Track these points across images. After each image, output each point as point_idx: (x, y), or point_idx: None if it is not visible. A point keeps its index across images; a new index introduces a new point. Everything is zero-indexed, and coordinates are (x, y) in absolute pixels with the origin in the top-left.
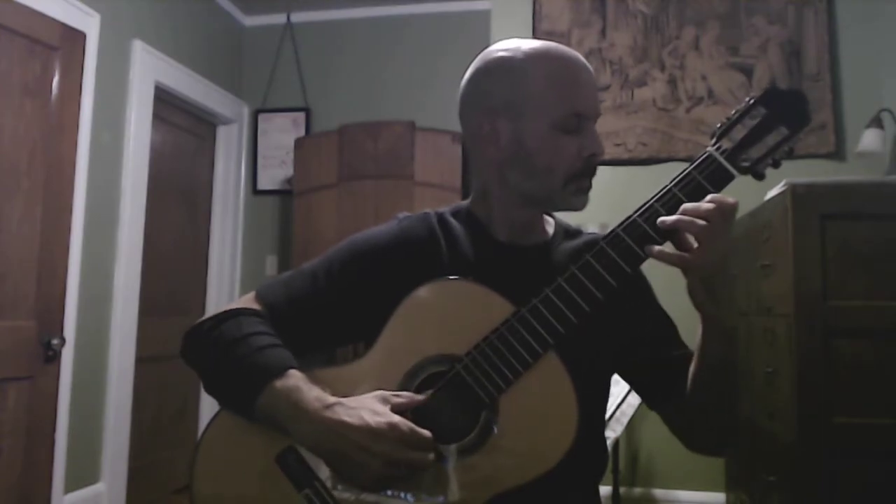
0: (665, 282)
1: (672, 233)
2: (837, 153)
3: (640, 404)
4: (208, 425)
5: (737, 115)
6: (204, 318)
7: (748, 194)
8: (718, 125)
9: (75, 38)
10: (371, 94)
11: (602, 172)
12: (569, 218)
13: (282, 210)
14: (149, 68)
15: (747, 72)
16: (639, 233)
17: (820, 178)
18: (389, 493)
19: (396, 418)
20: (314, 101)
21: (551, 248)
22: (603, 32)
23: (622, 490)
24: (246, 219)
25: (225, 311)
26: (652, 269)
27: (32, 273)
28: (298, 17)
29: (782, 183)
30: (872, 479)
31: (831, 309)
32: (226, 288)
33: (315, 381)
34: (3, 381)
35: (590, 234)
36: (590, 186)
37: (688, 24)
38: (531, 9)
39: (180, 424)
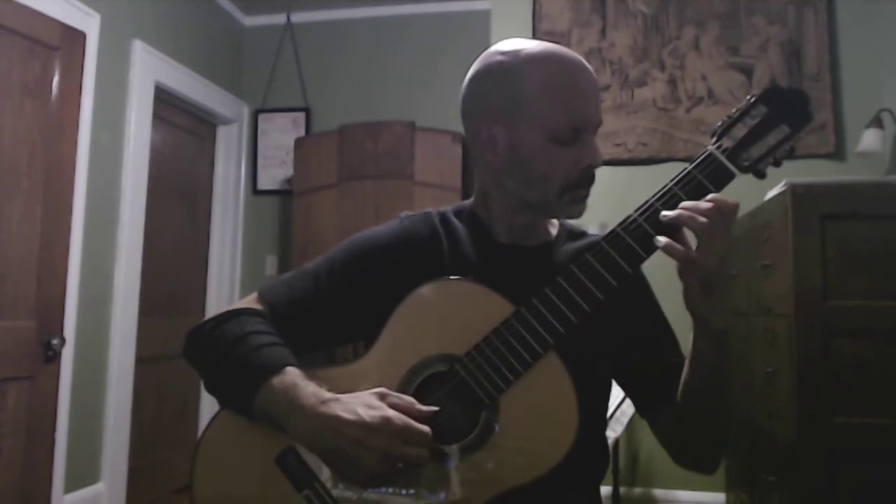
0: (665, 283)
1: (672, 231)
2: (837, 153)
3: None
4: (208, 425)
5: (738, 113)
6: (207, 318)
7: (748, 194)
8: (719, 124)
9: (75, 38)
10: (371, 94)
11: (602, 172)
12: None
13: (282, 210)
14: (149, 68)
15: (747, 72)
16: (639, 232)
17: (820, 178)
18: (391, 494)
19: (391, 413)
20: (314, 101)
21: (554, 249)
22: (603, 32)
23: (622, 490)
24: (246, 219)
25: (227, 312)
26: (652, 270)
27: (32, 273)
28: (298, 17)
29: (782, 183)
30: (872, 479)
31: (831, 309)
32: (226, 288)
33: (314, 378)
34: (3, 381)
35: (594, 235)
36: (587, 195)
37: (688, 24)
38: (531, 9)
39: (180, 424)
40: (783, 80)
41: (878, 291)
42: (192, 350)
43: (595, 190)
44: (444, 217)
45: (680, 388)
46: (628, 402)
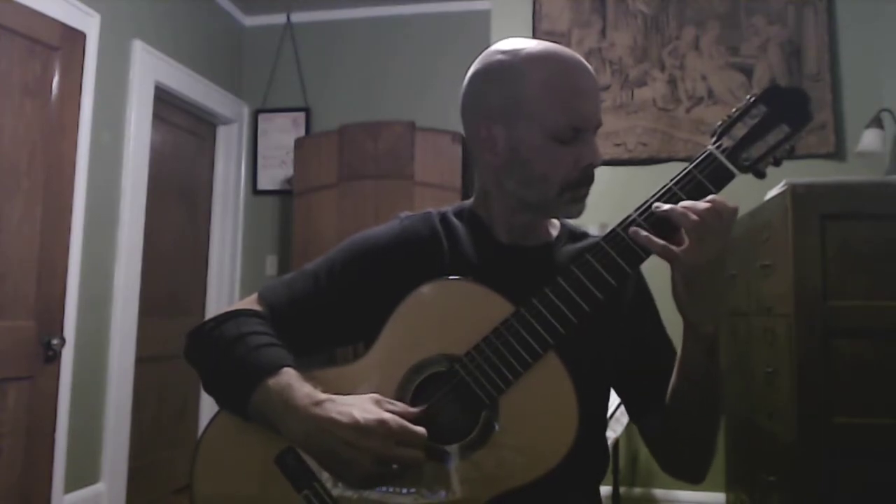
0: (664, 285)
1: (670, 230)
2: (837, 153)
3: None
4: (208, 425)
5: (738, 113)
6: (207, 319)
7: (748, 194)
8: (719, 123)
9: (75, 38)
10: (371, 94)
11: (602, 172)
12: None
13: (282, 210)
14: (149, 68)
15: (747, 72)
16: None
17: (820, 178)
18: (391, 495)
19: (386, 415)
20: (314, 101)
21: (554, 250)
22: (603, 32)
23: (622, 490)
24: (246, 219)
25: (226, 312)
26: (653, 272)
27: (32, 273)
28: (298, 17)
29: (782, 183)
30: (872, 479)
31: (831, 309)
32: (226, 288)
33: (311, 379)
34: (3, 381)
35: (595, 236)
36: (586, 194)
37: (688, 24)
38: (531, 9)
39: (180, 424)
40: (783, 80)
41: (878, 291)
42: (191, 350)
43: (595, 190)
44: (443, 217)
45: (668, 391)
46: None
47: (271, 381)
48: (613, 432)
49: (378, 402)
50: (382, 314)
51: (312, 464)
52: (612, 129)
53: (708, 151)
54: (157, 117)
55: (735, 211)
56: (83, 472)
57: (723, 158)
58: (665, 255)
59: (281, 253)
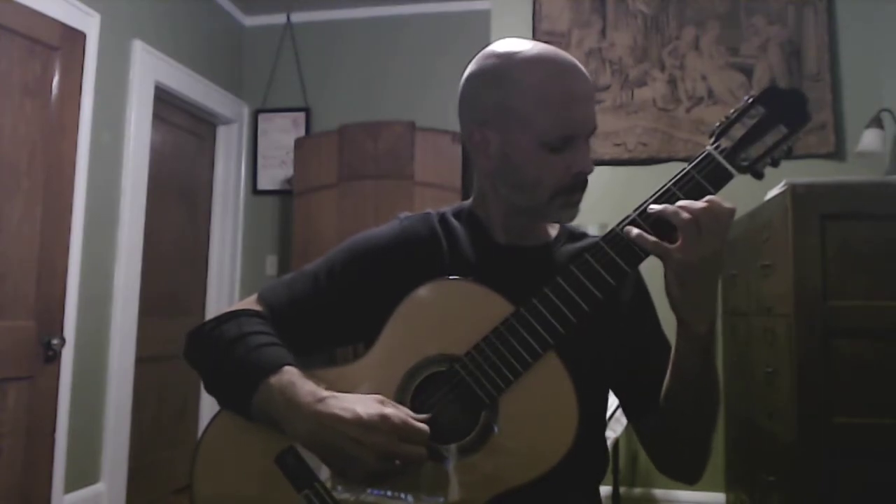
0: (662, 285)
1: (668, 230)
2: (837, 153)
3: None
4: (208, 426)
5: (736, 114)
6: (206, 319)
7: (748, 194)
8: (717, 124)
9: (75, 38)
10: (371, 94)
11: (602, 172)
12: None
13: (282, 210)
14: (149, 68)
15: (747, 72)
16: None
17: (820, 178)
18: (389, 493)
19: (389, 411)
20: (314, 101)
21: (553, 250)
22: (603, 32)
23: (622, 490)
24: (246, 219)
25: (226, 313)
26: (652, 272)
27: (32, 273)
28: (298, 17)
29: (782, 183)
30: (872, 479)
31: (831, 309)
32: (226, 288)
33: (312, 378)
34: (3, 381)
35: (594, 236)
36: (579, 200)
37: (688, 24)
38: (531, 9)
39: (180, 424)
40: (783, 80)
41: (878, 291)
42: (191, 351)
43: (595, 190)
44: (442, 218)
45: (663, 391)
46: None
47: (273, 380)
48: (613, 432)
49: (381, 402)
50: (382, 314)
51: (313, 463)
52: (612, 129)
53: (706, 152)
54: (157, 117)
55: (732, 211)
56: (83, 472)
57: (721, 159)
58: (656, 251)
59: (281, 253)
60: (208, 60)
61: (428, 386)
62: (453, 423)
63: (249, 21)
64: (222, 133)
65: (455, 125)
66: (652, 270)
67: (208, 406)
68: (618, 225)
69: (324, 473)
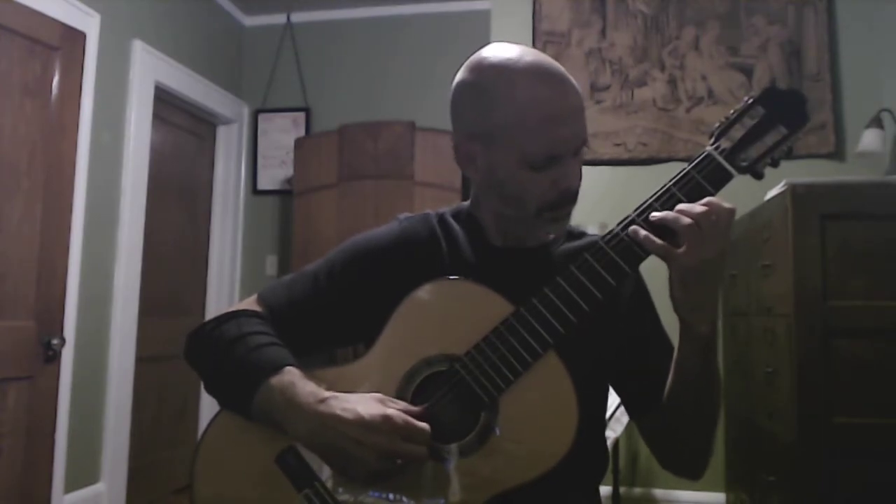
0: (663, 285)
1: (667, 230)
2: (837, 153)
3: None
4: (208, 426)
5: (735, 114)
6: (206, 320)
7: (748, 194)
8: (717, 124)
9: (75, 38)
10: (371, 94)
11: (602, 172)
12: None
13: (282, 210)
14: (149, 68)
15: (747, 72)
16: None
17: (820, 178)
18: (390, 494)
19: (391, 411)
20: (314, 101)
21: (552, 250)
22: (603, 32)
23: (622, 490)
24: (246, 219)
25: (226, 313)
26: (652, 272)
27: (32, 273)
28: (298, 17)
29: (782, 183)
30: (872, 479)
31: (831, 309)
32: (226, 288)
33: (312, 378)
34: (3, 381)
35: (592, 235)
36: (568, 213)
37: (688, 24)
38: (531, 9)
39: (180, 424)
40: (783, 80)
41: (878, 291)
42: (191, 351)
43: (595, 190)
44: (441, 218)
45: (666, 390)
46: None
47: (274, 380)
48: (613, 432)
49: (381, 401)
50: (382, 315)
51: (313, 463)
52: (612, 129)
53: (706, 152)
54: (157, 117)
55: (732, 212)
56: (83, 472)
57: (721, 159)
58: (663, 254)
59: (281, 253)
60: (208, 60)
61: (428, 386)
62: (453, 422)
63: (249, 21)
64: (222, 133)
65: None
66: (652, 270)
67: (208, 406)
68: (618, 225)
69: (324, 473)
